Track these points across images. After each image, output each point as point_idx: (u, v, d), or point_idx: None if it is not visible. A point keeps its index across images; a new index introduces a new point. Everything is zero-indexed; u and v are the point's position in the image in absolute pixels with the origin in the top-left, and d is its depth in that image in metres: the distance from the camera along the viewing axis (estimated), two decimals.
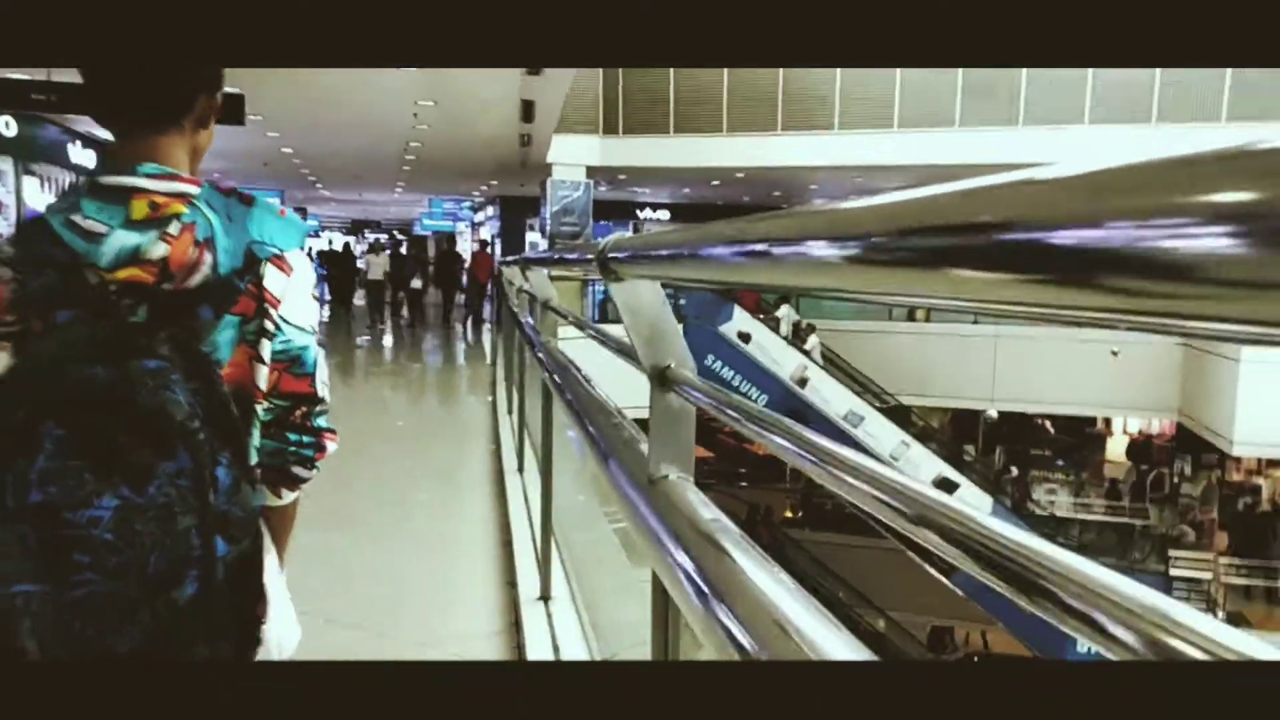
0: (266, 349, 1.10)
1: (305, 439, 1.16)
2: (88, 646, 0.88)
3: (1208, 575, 13.37)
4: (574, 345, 2.65)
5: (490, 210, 23.89)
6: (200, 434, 0.93)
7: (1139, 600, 0.38)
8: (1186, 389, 14.53)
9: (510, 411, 6.03)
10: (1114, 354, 14.04)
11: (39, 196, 11.59)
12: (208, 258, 1.04)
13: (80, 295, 1.01)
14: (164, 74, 1.07)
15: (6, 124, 10.03)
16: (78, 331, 0.97)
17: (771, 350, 14.26)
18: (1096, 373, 14.58)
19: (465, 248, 22.66)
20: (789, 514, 17.98)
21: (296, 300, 1.12)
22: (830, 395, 14.05)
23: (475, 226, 27.14)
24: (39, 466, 0.87)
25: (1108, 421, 19.18)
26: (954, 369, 15.68)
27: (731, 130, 14.44)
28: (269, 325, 1.09)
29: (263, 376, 1.10)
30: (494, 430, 6.30)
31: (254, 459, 1.11)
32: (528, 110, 10.16)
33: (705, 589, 0.70)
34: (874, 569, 15.07)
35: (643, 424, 1.12)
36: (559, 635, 2.48)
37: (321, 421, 1.18)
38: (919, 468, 13.17)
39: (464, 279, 16.54)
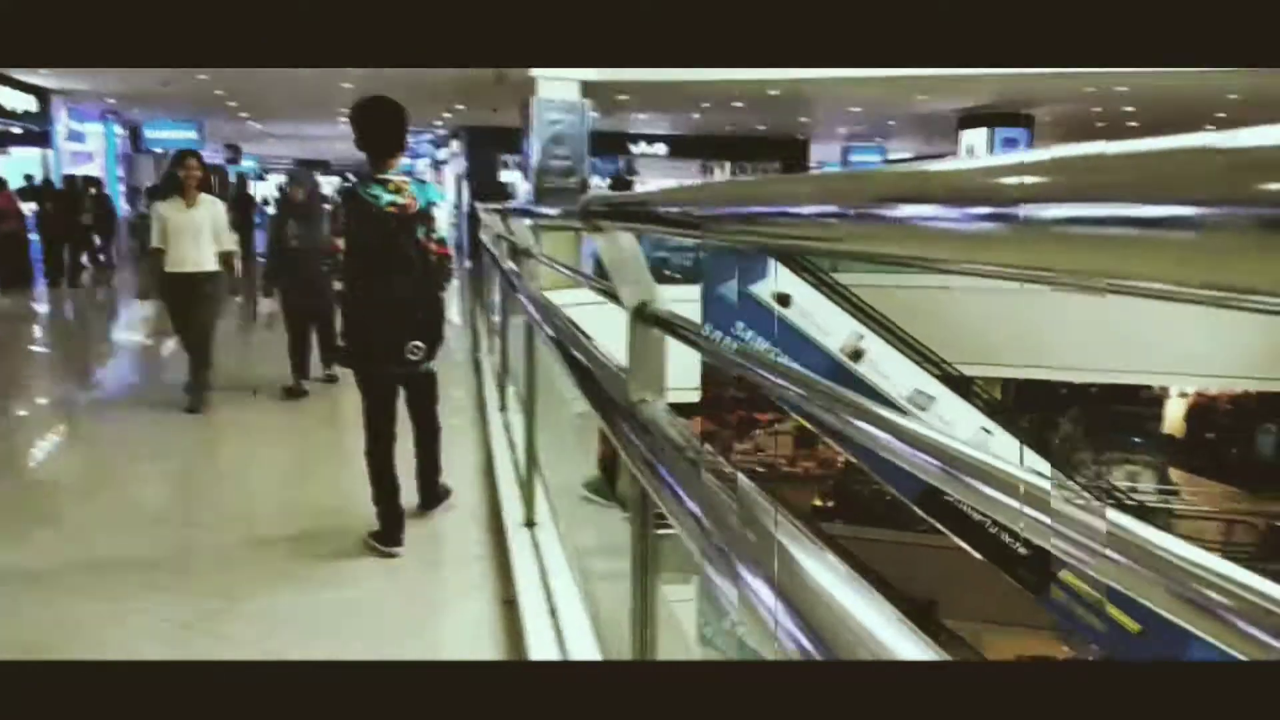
0: (433, 237, 3.64)
1: (449, 268, 3.84)
2: (397, 333, 3.57)
3: None
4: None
5: (455, 145, 20.48)
6: (420, 261, 3.60)
7: None
8: None
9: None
10: None
11: None
12: (416, 203, 3.55)
13: (373, 216, 3.49)
14: (398, 138, 3.68)
15: None
16: (374, 230, 3.50)
17: (817, 316, 11.45)
18: (1181, 337, 11.99)
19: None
20: (818, 502, 15.32)
21: (440, 219, 3.72)
22: (891, 370, 11.27)
23: (438, 165, 23.57)
24: (378, 278, 3.53)
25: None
26: (1024, 334, 12.98)
27: None
28: (432, 228, 3.64)
29: (432, 247, 3.64)
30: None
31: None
32: None
33: (680, 492, 0.89)
34: (920, 568, 12.49)
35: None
36: None
37: (451, 265, 3.89)
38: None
39: None
